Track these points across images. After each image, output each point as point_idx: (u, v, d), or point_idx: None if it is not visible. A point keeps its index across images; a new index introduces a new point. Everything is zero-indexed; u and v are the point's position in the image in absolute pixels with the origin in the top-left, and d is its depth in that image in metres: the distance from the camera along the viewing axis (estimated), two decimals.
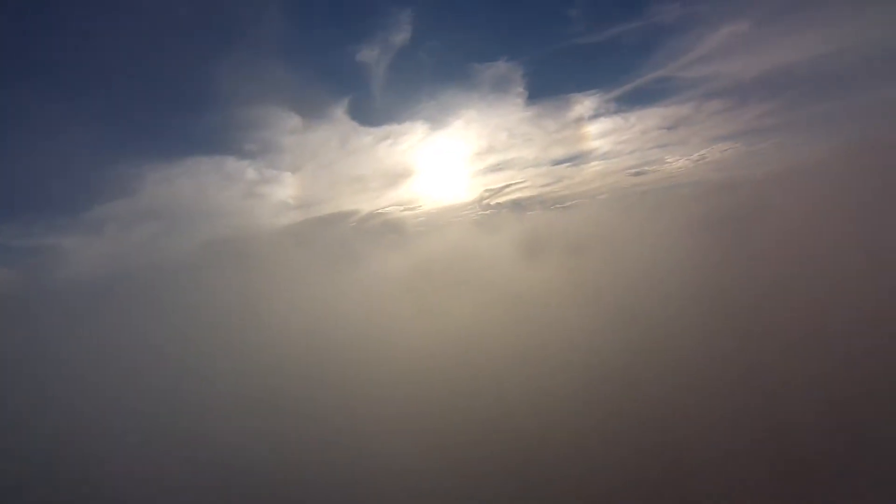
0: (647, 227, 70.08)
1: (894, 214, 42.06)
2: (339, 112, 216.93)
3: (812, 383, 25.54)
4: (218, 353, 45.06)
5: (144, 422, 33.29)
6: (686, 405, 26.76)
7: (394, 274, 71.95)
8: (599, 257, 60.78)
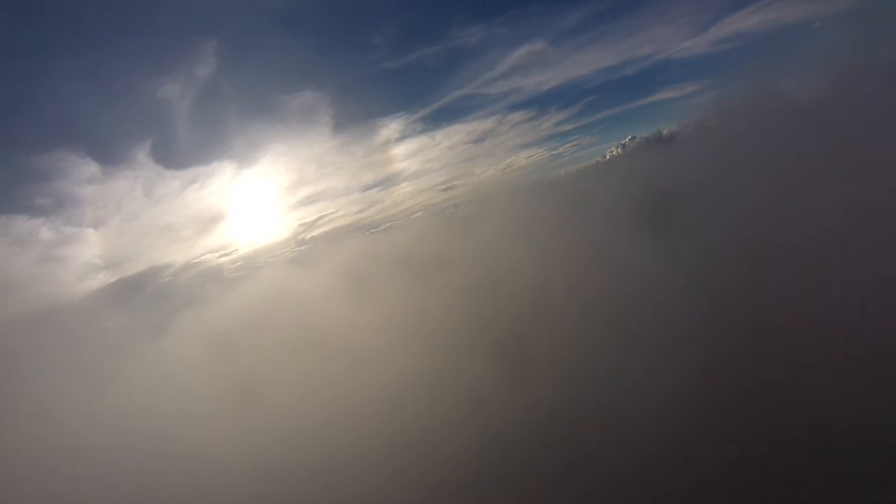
0: (463, 237, 72.16)
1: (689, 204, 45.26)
2: (142, 155, 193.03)
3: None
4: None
5: None
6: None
7: (206, 335, 64.03)
8: (421, 275, 60.12)
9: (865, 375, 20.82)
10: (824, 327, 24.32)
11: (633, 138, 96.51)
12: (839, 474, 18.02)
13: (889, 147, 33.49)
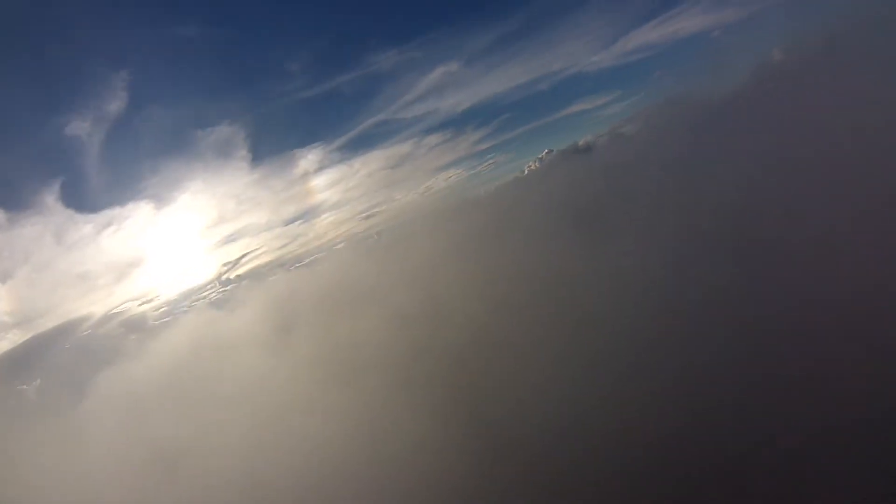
0: (387, 265, 70.87)
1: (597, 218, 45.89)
2: (50, 199, 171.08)
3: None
4: None
5: None
6: None
7: (129, 394, 59.53)
8: (348, 309, 58.05)
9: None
10: (758, 325, 23.95)
11: (549, 151, 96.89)
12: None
13: (796, 143, 34.26)
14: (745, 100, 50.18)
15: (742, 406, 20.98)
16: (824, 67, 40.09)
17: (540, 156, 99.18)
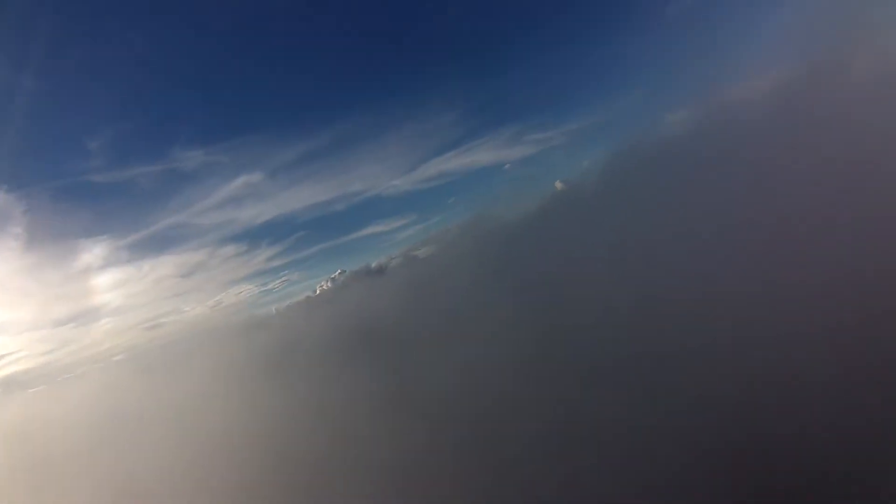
0: (168, 383, 65.79)
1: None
2: None
3: None
4: None
5: None
6: None
7: None
8: (119, 434, 51.27)
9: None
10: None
11: (342, 272, 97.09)
12: None
13: (576, 267, 37.28)
14: (531, 225, 53.73)
15: None
16: (599, 198, 46.96)
17: (333, 276, 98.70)
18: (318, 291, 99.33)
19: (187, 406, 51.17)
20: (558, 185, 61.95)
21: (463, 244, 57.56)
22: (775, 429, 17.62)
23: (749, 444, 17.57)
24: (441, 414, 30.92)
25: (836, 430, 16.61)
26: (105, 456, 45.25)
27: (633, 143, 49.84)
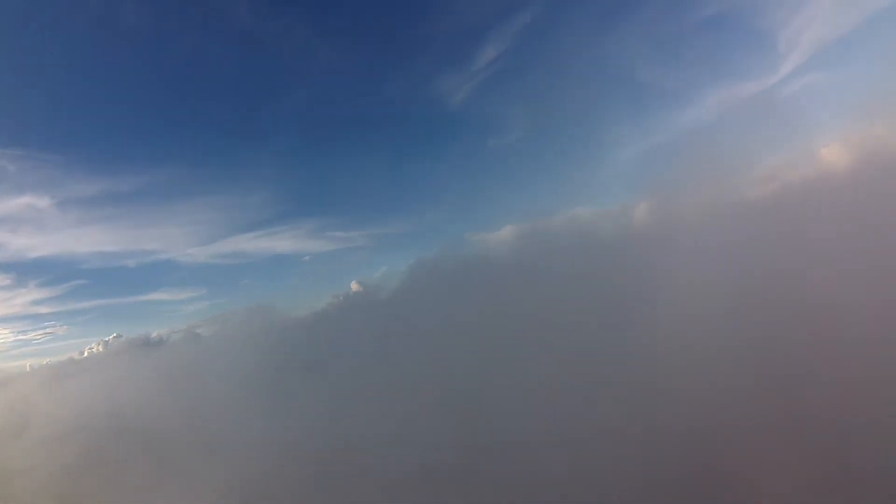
0: None
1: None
2: None
3: None
4: None
5: None
6: None
7: None
8: None
9: None
10: None
11: (118, 336, 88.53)
12: None
13: (369, 363, 39.10)
14: (322, 320, 58.54)
15: None
16: (391, 300, 51.97)
17: (107, 339, 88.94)
18: (85, 353, 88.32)
19: None
20: (354, 285, 67.41)
21: (249, 329, 56.95)
22: None
23: None
24: None
25: None
26: None
27: (437, 256, 53.49)
